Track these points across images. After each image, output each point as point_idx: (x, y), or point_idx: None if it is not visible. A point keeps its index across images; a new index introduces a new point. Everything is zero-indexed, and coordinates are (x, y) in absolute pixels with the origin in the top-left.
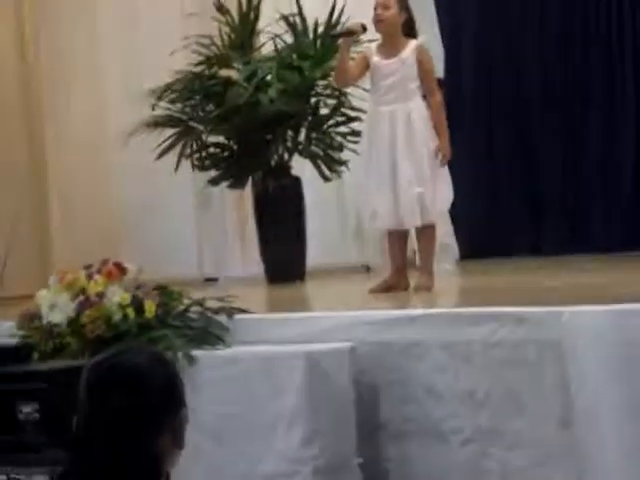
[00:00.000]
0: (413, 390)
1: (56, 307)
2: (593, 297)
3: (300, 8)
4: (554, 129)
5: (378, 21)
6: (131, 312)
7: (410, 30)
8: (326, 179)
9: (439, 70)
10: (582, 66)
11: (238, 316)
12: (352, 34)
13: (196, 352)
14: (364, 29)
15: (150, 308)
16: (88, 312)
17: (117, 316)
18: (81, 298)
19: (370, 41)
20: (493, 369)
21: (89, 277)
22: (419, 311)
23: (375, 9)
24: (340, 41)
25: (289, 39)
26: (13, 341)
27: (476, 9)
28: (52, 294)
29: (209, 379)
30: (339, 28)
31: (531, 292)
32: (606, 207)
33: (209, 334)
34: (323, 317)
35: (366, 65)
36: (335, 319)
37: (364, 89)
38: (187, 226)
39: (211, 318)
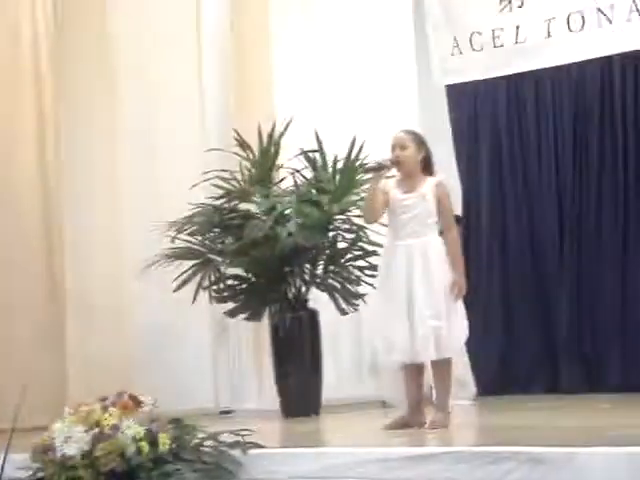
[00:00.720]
0: None
1: (70, 439)
2: (608, 438)
3: (320, 144)
4: (569, 267)
5: (397, 162)
6: (145, 446)
7: (427, 166)
8: (343, 312)
9: (456, 206)
10: (596, 208)
11: (252, 451)
12: (382, 169)
13: None
14: (393, 163)
15: (164, 442)
16: (102, 445)
17: (131, 450)
18: (95, 431)
19: (388, 177)
20: None
21: (104, 409)
22: (434, 449)
23: (393, 149)
24: (369, 176)
25: (309, 173)
26: (26, 474)
27: (493, 147)
28: (66, 426)
29: None
30: (358, 163)
31: (547, 431)
32: (623, 346)
33: (222, 469)
34: (337, 453)
35: (387, 200)
36: (349, 456)
37: (381, 223)
38: (203, 358)
39: (225, 452)
